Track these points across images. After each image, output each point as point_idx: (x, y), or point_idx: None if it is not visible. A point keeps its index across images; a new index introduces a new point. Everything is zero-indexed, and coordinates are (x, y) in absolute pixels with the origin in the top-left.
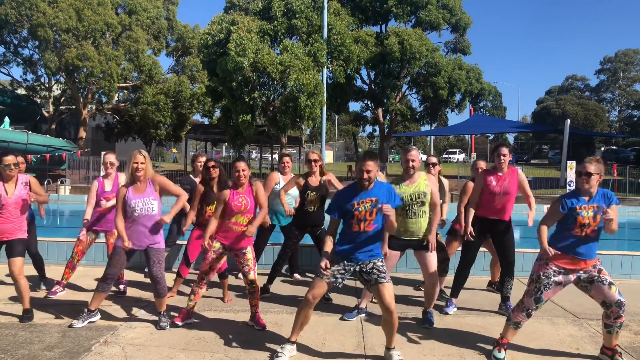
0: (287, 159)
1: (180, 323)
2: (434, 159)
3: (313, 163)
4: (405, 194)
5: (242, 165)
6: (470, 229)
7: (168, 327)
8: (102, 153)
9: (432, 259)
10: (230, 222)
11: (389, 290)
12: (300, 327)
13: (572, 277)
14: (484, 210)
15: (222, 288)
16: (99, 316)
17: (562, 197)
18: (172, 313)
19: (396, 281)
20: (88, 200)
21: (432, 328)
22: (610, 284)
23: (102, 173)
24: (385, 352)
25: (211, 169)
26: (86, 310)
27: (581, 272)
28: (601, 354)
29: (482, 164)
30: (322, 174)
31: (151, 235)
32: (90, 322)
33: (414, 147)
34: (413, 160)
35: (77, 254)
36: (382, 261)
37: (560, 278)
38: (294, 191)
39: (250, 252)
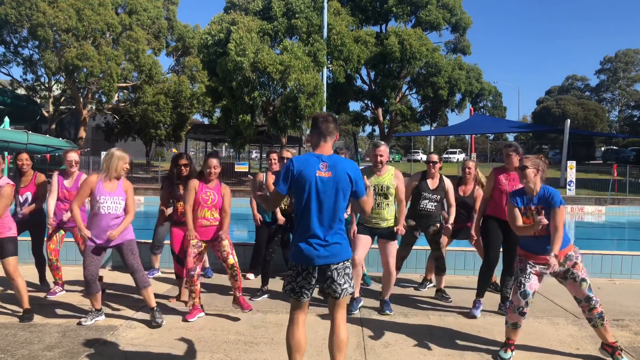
0: (273, 155)
1: (193, 319)
2: (434, 157)
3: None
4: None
5: (214, 162)
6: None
7: (163, 322)
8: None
9: (392, 249)
10: (198, 218)
11: None
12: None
13: (547, 269)
14: (495, 209)
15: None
16: (103, 316)
17: (511, 194)
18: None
19: (396, 281)
20: (49, 195)
21: (432, 328)
22: (582, 280)
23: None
24: None
25: (182, 167)
26: (94, 309)
27: None
28: (602, 349)
29: (471, 164)
30: None
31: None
32: (96, 321)
33: (383, 142)
34: (381, 156)
35: (52, 254)
36: None
37: (536, 269)
38: None
39: (225, 239)
